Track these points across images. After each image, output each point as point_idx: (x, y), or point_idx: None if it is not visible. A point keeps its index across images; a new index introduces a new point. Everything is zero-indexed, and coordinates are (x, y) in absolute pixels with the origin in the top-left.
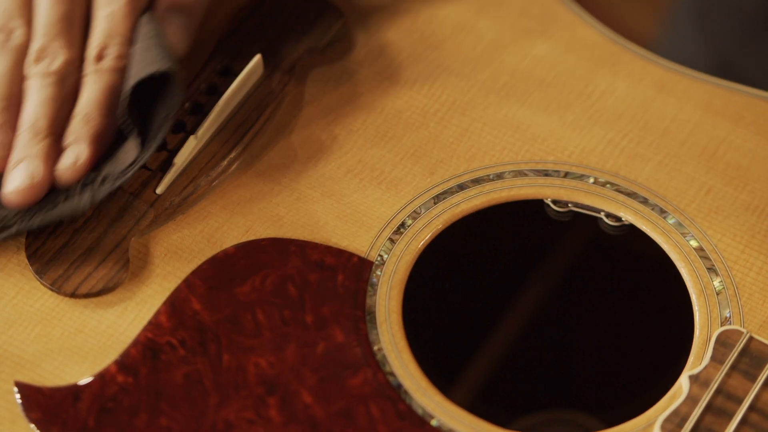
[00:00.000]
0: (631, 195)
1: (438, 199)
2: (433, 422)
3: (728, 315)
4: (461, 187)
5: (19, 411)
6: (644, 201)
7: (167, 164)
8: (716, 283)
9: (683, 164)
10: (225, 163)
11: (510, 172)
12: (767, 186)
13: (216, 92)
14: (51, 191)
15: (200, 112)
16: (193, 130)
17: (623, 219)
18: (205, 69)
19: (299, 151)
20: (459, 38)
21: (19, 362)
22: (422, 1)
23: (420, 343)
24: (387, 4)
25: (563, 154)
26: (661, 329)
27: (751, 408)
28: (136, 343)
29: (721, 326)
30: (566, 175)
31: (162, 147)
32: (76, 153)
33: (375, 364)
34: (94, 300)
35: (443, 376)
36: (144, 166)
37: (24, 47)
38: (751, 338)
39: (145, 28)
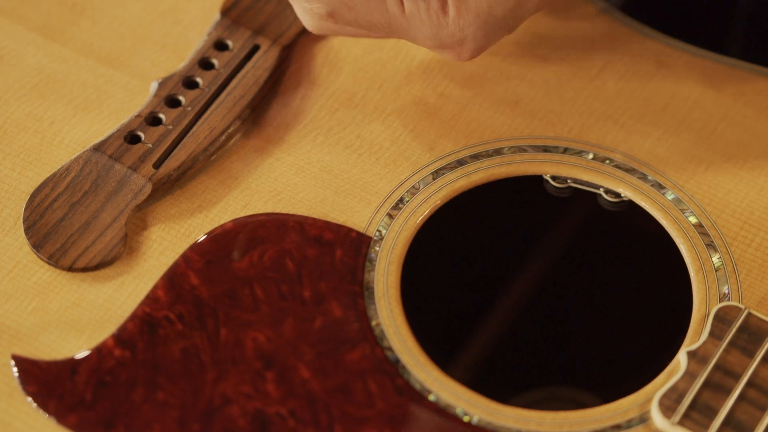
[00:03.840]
0: (630, 171)
1: (437, 174)
2: (431, 397)
3: (727, 291)
4: (460, 163)
5: (16, 384)
6: (643, 177)
7: (164, 139)
8: (715, 259)
9: (683, 140)
10: (223, 137)
11: (509, 147)
12: (767, 162)
13: (211, 67)
14: None
15: (195, 86)
16: (189, 106)
17: (622, 195)
18: (201, 42)
19: (298, 126)
20: None
21: (16, 335)
22: None
23: (418, 318)
24: None
25: (562, 129)
26: (660, 305)
27: (749, 384)
28: (133, 317)
29: (719, 302)
30: (565, 150)
31: (159, 122)
32: None
33: (373, 339)
34: (91, 274)
35: (442, 352)
36: (141, 141)
37: None
38: (749, 314)
39: None
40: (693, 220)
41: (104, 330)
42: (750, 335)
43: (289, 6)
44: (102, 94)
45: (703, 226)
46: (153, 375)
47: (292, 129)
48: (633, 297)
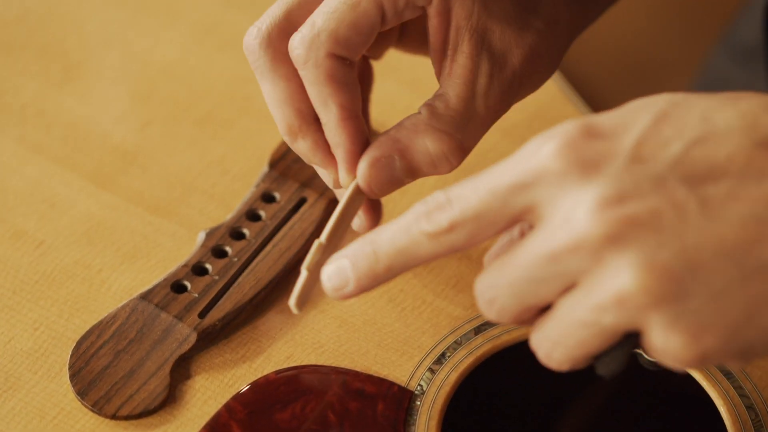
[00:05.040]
0: None
1: (478, 330)
2: None
3: None
4: None
5: None
6: None
7: (210, 290)
8: (755, 422)
9: None
10: (269, 289)
11: None
12: None
13: (258, 218)
14: None
15: (242, 237)
16: (235, 257)
17: None
18: (249, 193)
19: None
20: None
21: None
22: None
23: None
24: None
25: None
26: None
27: None
28: None
29: None
30: None
31: (205, 272)
32: None
33: None
34: (134, 422)
35: None
36: (187, 290)
37: None
38: None
39: None
40: (734, 382)
41: None
42: None
43: None
44: (150, 243)
45: (744, 389)
46: None
47: None
48: None
